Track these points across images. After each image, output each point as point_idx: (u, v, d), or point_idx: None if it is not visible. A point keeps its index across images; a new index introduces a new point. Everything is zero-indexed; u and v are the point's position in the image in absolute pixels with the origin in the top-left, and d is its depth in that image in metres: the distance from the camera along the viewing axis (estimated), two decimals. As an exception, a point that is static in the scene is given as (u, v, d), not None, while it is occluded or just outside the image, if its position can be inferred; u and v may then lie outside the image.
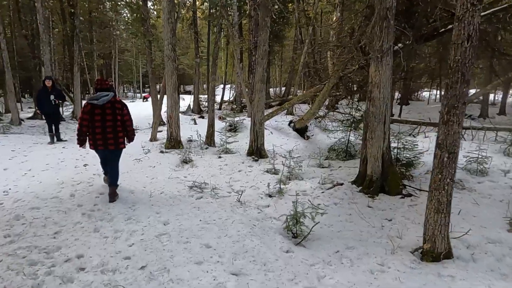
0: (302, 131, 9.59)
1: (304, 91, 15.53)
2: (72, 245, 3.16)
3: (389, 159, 5.30)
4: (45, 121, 9.00)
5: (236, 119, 9.84)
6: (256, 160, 7.07)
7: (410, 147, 5.85)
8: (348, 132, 7.47)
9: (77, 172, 5.84)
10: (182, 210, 4.20)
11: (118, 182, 4.70)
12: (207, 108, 18.26)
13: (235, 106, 18.24)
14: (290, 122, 9.94)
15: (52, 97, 8.12)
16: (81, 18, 19.23)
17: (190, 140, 8.82)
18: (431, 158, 6.53)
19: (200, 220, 3.80)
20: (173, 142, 7.97)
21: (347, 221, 4.31)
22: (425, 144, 6.87)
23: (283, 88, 22.61)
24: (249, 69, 11.97)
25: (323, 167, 6.67)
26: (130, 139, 4.70)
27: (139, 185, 5.19)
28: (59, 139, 8.76)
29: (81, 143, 4.47)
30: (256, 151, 7.24)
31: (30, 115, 14.91)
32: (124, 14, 25.41)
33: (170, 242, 3.25)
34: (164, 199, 4.63)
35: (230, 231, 3.52)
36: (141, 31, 10.35)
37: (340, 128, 7.63)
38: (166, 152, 7.67)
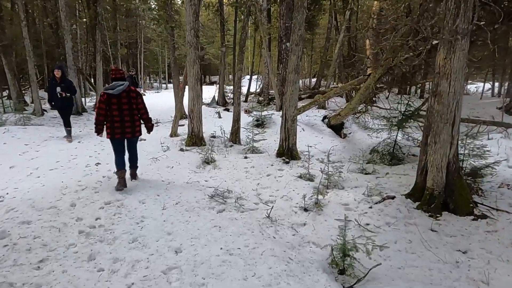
0: (337, 128, 8.58)
1: (339, 83, 14.40)
2: (56, 283, 2.46)
3: (456, 169, 4.28)
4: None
5: (264, 113, 8.98)
6: (287, 163, 6.21)
7: (479, 153, 4.77)
8: (396, 132, 6.42)
9: (86, 173, 5.22)
10: (200, 230, 3.43)
11: (129, 187, 4.35)
12: (232, 100, 17.53)
13: (261, 98, 17.35)
14: (324, 117, 8.96)
15: (58, 89, 7.44)
16: (107, 7, 18.96)
17: (213, 137, 8.08)
18: (504, 167, 5.44)
19: (221, 249, 3.01)
20: (195, 139, 7.25)
21: (408, 252, 3.38)
22: (493, 149, 5.73)
23: (313, 80, 21.44)
24: (279, 58, 11.03)
25: (366, 173, 5.71)
26: (148, 128, 4.85)
27: (153, 192, 4.48)
28: (69, 137, 7.88)
29: (98, 131, 4.57)
30: (287, 152, 6.37)
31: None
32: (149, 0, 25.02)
33: (180, 283, 2.48)
34: (179, 213, 3.88)
35: (260, 269, 2.71)
36: (164, 17, 9.65)
37: (385, 127, 6.59)
38: (187, 150, 6.96)
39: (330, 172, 5.16)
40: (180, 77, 12.02)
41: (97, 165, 5.83)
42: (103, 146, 7.35)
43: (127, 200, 4.12)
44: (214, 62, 44.04)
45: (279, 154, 6.46)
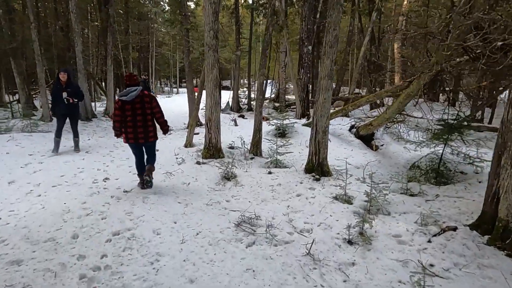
0: (367, 139, 7.85)
1: (362, 89, 13.65)
2: None
3: (538, 197, 3.51)
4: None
5: (285, 121, 8.31)
6: (318, 180, 5.51)
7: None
8: (439, 145, 5.67)
9: (92, 192, 4.61)
10: (230, 275, 2.77)
11: (142, 210, 3.77)
12: (246, 105, 16.95)
13: (277, 104, 16.70)
14: (352, 127, 8.24)
15: (64, 94, 6.72)
16: (120, 11, 18.63)
17: (231, 147, 7.43)
18: None
19: (262, 309, 2.32)
20: (212, 150, 6.61)
21: (496, 310, 2.64)
22: None
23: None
24: (299, 62, 10.38)
25: (412, 195, 4.97)
26: (164, 131, 4.85)
27: (168, 219, 3.83)
28: (76, 148, 7.24)
29: (117, 136, 4.67)
30: (317, 167, 5.67)
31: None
32: (162, 3, 24.72)
33: None
34: (201, 249, 3.22)
35: None
36: (178, 19, 9.10)
37: (426, 139, 5.85)
38: (204, 164, 6.32)
39: (372, 193, 4.45)
40: (194, 82, 11.44)
41: (105, 181, 5.22)
42: (113, 157, 6.78)
43: (139, 230, 3.48)
44: (226, 66, 43.83)
45: (308, 169, 5.76)
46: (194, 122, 7.48)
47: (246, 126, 10.42)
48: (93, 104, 14.14)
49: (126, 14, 16.39)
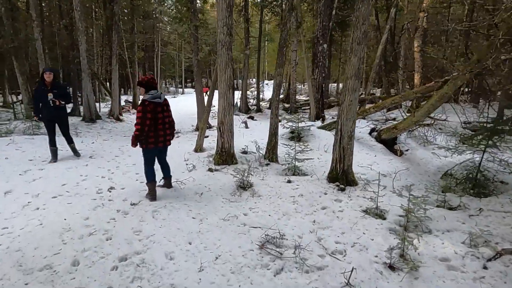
0: (389, 143, 7.34)
1: (378, 89, 13.09)
2: None
3: None
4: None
5: (301, 124, 7.81)
6: (343, 190, 5.02)
7: None
8: (474, 151, 5.16)
9: (96, 205, 4.17)
10: (261, 317, 2.28)
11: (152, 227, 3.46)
12: (255, 106, 16.49)
13: (287, 105, 16.23)
14: (372, 130, 7.73)
15: (50, 96, 5.93)
16: (126, 11, 18.24)
17: (244, 152, 6.96)
18: None
19: None
20: (225, 156, 6.16)
21: None
22: None
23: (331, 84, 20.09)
24: (314, 61, 9.89)
25: (451, 208, 4.47)
26: (172, 135, 4.78)
27: (182, 238, 3.38)
28: (76, 154, 6.70)
29: (140, 143, 4.44)
30: (342, 176, 5.18)
31: (68, 111, 14.00)
32: (167, 3, 24.31)
33: None
34: (223, 278, 2.76)
35: None
36: (186, 15, 8.66)
37: (461, 144, 5.33)
38: (216, 171, 5.87)
39: (408, 207, 3.96)
40: (204, 82, 10.98)
41: (110, 191, 4.78)
42: (118, 163, 6.35)
43: (149, 253, 3.03)
44: (234, 67, 43.48)
45: (332, 178, 5.27)
46: (204, 125, 7.03)
47: (257, 128, 9.97)
48: (97, 104, 13.79)
49: (131, 12, 16.01)
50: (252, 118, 12.97)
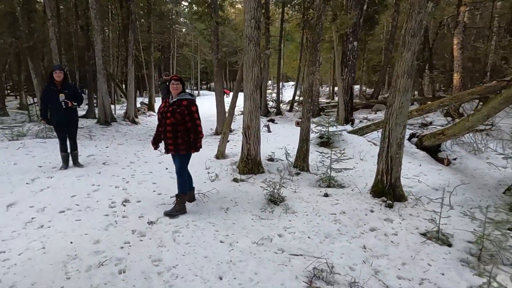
0: (432, 150, 6.58)
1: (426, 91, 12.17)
2: None
3: None
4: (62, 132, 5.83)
5: (331, 128, 7.14)
6: (391, 206, 4.33)
7: None
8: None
9: (108, 223, 3.62)
10: None
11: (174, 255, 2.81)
12: (275, 108, 15.88)
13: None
14: (412, 136, 6.98)
15: (62, 97, 5.44)
16: (141, 12, 17.93)
17: (271, 159, 6.34)
18: None
19: None
20: (251, 164, 5.55)
21: None
22: None
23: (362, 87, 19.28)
24: (343, 60, 9.19)
25: (528, 232, 3.71)
26: None
27: (211, 271, 2.78)
28: (76, 163, 6.00)
29: (188, 148, 4.00)
30: (389, 190, 4.49)
31: (83, 113, 13.72)
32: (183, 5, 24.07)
33: None
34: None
35: None
36: (207, 11, 8.13)
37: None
38: (242, 181, 5.27)
39: (481, 233, 3.26)
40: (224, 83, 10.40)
41: (124, 205, 4.23)
42: (133, 170, 5.83)
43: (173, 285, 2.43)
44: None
45: (377, 192, 4.59)
46: (227, 129, 6.44)
47: (280, 132, 9.34)
48: (112, 107, 13.42)
49: (148, 13, 15.68)
50: (272, 121, 12.35)
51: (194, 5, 11.45)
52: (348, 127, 8.51)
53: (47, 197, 4.36)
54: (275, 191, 4.54)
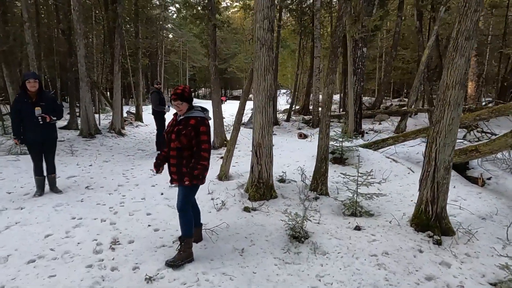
0: (460, 168, 5.94)
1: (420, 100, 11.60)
2: None
3: None
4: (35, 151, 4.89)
5: (346, 143, 6.44)
6: (440, 243, 3.62)
7: None
8: None
9: (92, 281, 2.77)
10: None
11: None
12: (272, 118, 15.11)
13: (307, 117, 14.90)
14: (435, 151, 6.32)
15: (38, 111, 4.54)
16: (127, 18, 17.03)
17: (282, 180, 5.58)
18: None
19: None
20: (263, 189, 4.78)
21: None
22: None
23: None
24: (355, 66, 8.49)
25: None
26: None
27: None
28: (54, 188, 5.05)
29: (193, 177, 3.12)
30: (435, 222, 3.79)
31: (65, 123, 12.69)
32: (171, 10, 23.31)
33: None
34: None
35: None
36: (203, 13, 7.39)
37: None
38: (254, 210, 4.47)
39: None
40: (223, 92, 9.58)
41: (113, 248, 3.38)
42: (123, 196, 4.98)
43: None
44: (238, 76, 42.30)
45: (420, 225, 3.87)
46: (232, 146, 5.64)
47: (284, 146, 8.58)
48: (96, 116, 12.43)
49: (136, 15, 14.83)
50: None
51: (183, 10, 10.74)
52: (359, 141, 7.84)
53: (14, 239, 3.47)
54: (296, 223, 3.77)
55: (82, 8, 10.72)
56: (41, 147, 4.83)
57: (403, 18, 11.11)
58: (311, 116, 14.03)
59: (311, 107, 18.34)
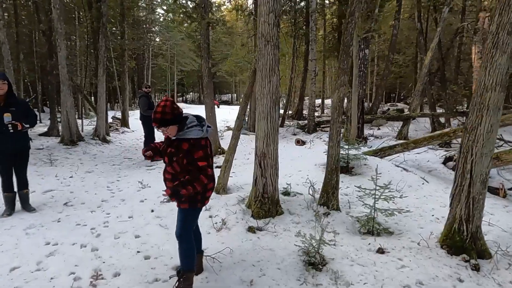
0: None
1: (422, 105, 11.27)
2: None
3: None
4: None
5: (352, 151, 5.98)
6: (477, 269, 3.14)
7: None
8: None
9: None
10: None
11: None
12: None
13: (301, 122, 14.46)
14: (449, 159, 5.93)
15: (7, 118, 3.94)
16: (112, 20, 16.30)
17: (286, 193, 5.05)
18: None
19: None
20: (268, 205, 4.25)
21: None
22: None
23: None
24: (359, 68, 8.05)
25: None
26: None
27: None
28: (27, 206, 4.40)
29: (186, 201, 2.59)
30: (470, 243, 3.32)
31: (45, 130, 11.91)
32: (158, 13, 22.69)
33: None
34: None
35: None
36: (199, 11, 6.86)
37: None
38: (260, 230, 3.93)
39: None
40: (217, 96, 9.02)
41: (94, 285, 2.78)
42: (107, 215, 4.39)
43: None
44: (227, 80, 41.77)
45: (452, 246, 3.39)
46: (231, 156, 5.08)
47: (283, 153, 8.01)
48: (79, 121, 11.67)
49: (121, 15, 14.17)
50: (265, 138, 11.08)
51: (173, 6, 10.20)
52: (363, 148, 7.39)
53: (-30, 275, 2.84)
54: (310, 247, 3.25)
55: (63, 6, 10.05)
56: (11, 159, 4.19)
57: (399, 20, 10.84)
58: (305, 121, 13.60)
59: (304, 112, 17.97)
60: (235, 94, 48.75)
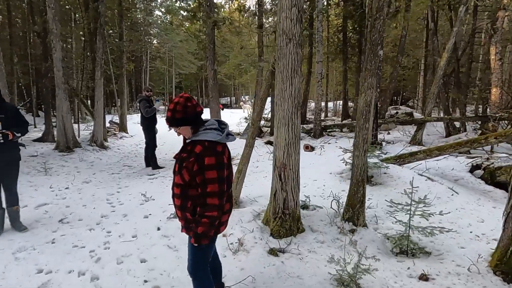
0: (500, 185, 5.16)
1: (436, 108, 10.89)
2: None
3: None
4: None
5: (371, 160, 5.56)
6: (542, 300, 2.71)
7: None
8: None
9: None
10: None
11: None
12: (269, 128, 14.23)
13: (307, 126, 14.01)
14: (475, 167, 5.52)
15: None
16: (112, 18, 15.89)
17: (305, 207, 4.61)
18: None
19: None
20: (289, 222, 3.81)
21: None
22: None
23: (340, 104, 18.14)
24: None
25: None
26: None
27: None
28: (17, 225, 3.90)
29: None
30: (529, 270, 2.88)
31: (39, 135, 11.44)
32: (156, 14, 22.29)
33: None
34: None
35: None
36: (204, 9, 6.44)
37: None
38: (282, 252, 3.48)
39: None
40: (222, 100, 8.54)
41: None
42: (107, 234, 3.95)
43: None
44: (226, 83, 41.32)
45: (508, 273, 2.96)
46: (245, 166, 4.63)
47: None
48: (75, 126, 11.19)
49: (120, 16, 13.74)
50: (270, 143, 10.66)
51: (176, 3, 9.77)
52: (379, 154, 6.97)
53: None
54: (347, 277, 2.82)
55: (59, 6, 9.61)
56: (0, 172, 3.73)
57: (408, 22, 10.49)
58: (310, 125, 13.17)
59: (308, 115, 17.55)
60: (234, 97, 48.29)
